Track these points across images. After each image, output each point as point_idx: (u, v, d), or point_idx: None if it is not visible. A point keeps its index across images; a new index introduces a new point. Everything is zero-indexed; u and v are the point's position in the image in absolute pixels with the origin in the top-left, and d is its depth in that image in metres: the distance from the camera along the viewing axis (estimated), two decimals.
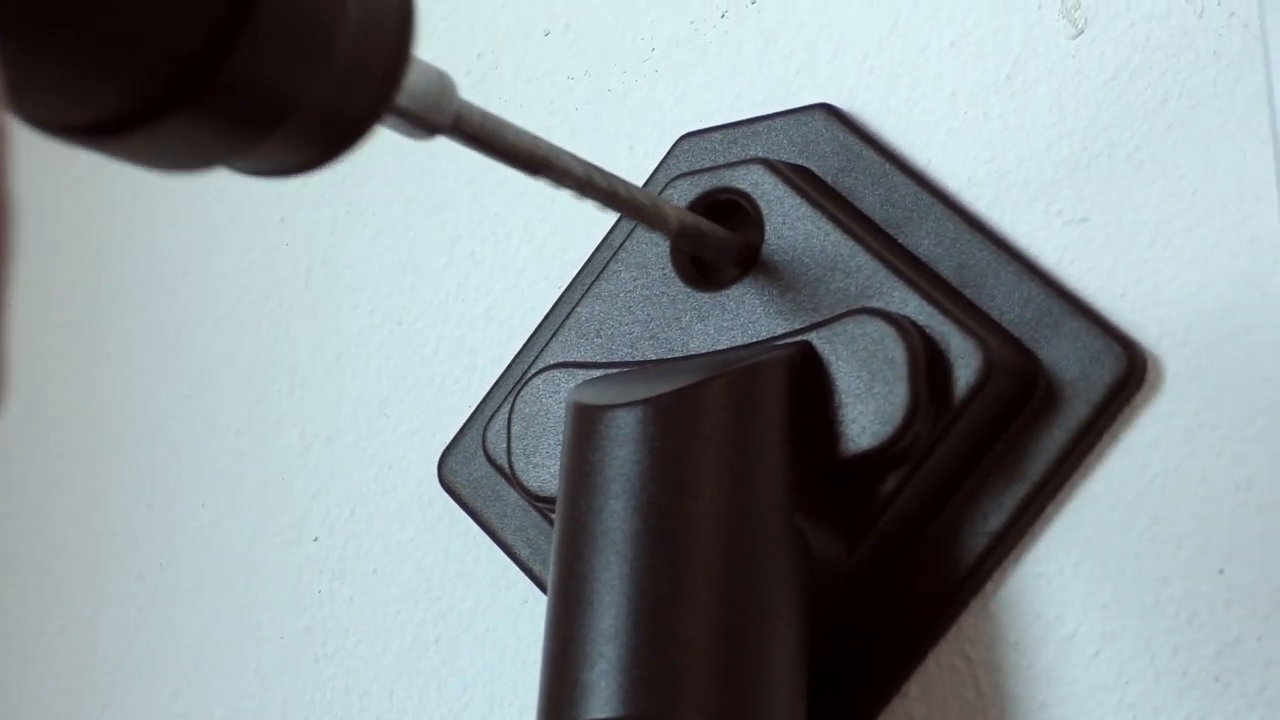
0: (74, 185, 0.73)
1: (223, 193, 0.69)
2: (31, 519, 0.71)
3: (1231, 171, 0.51)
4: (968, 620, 0.53)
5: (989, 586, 0.53)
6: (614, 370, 0.55)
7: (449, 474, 0.60)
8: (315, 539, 0.64)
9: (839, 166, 0.56)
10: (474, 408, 0.61)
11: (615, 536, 0.49)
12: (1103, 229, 0.53)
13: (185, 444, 0.68)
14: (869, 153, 0.56)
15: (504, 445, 0.57)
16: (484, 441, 0.58)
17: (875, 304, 0.52)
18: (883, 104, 0.57)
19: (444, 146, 0.63)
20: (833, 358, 0.52)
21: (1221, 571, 0.50)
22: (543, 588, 0.58)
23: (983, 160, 0.55)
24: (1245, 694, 0.49)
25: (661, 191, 0.56)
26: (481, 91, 0.64)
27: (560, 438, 0.55)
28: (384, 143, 0.64)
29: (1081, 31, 0.54)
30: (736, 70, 0.59)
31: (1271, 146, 0.50)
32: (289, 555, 0.64)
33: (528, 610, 0.60)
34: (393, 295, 0.64)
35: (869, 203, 0.55)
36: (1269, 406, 0.50)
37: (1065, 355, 0.52)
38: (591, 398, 0.52)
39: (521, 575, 0.59)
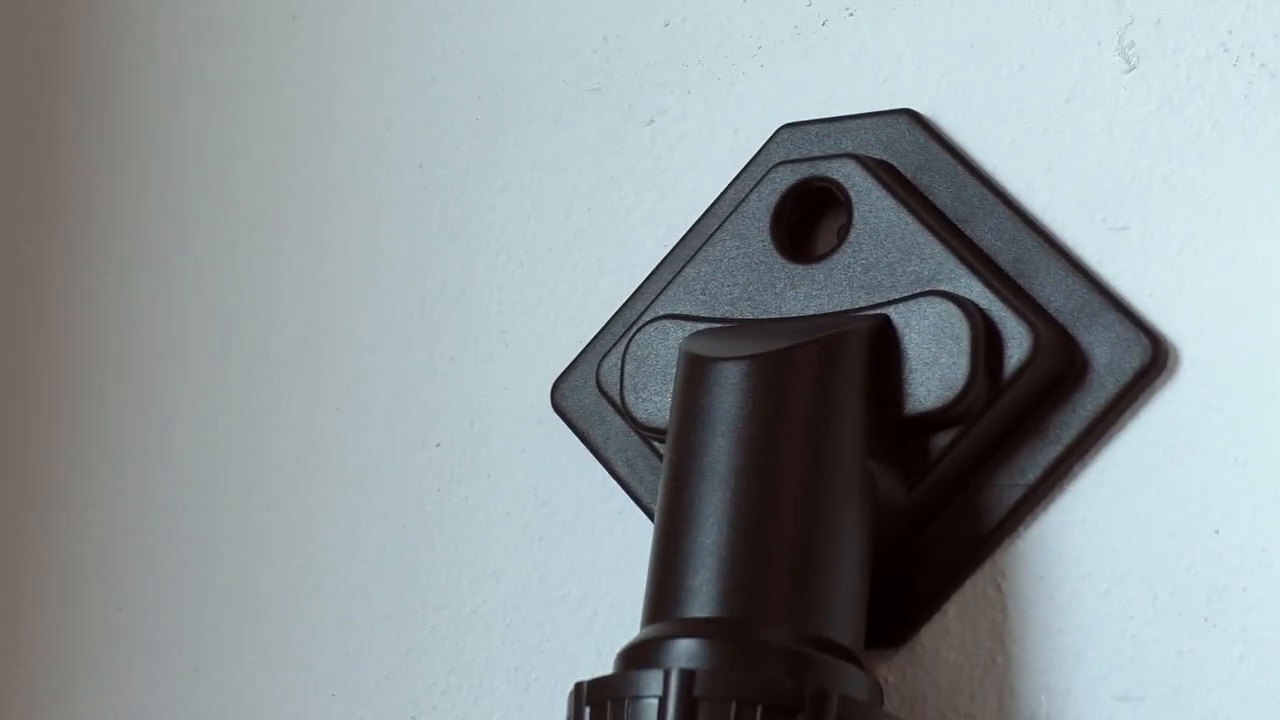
0: (229, 130, 0.81)
1: (367, 138, 0.77)
2: (180, 418, 0.79)
3: (1251, 199, 0.61)
4: (1001, 556, 0.62)
5: (1020, 529, 0.62)
6: (717, 325, 0.65)
7: (561, 399, 0.70)
8: (437, 445, 0.73)
9: (918, 165, 0.65)
10: (584, 344, 0.70)
11: (719, 468, 0.59)
12: (1139, 237, 0.62)
13: (323, 354, 0.76)
14: (944, 155, 0.65)
15: (617, 380, 0.66)
16: (598, 374, 0.68)
17: (944, 287, 0.62)
18: (957, 113, 0.66)
19: (566, 120, 0.72)
20: (906, 330, 0.62)
21: (1216, 531, 0.60)
22: (637, 501, 0.67)
23: (1040, 170, 0.64)
24: (1229, 633, 0.59)
25: (765, 175, 0.66)
26: (605, 69, 0.72)
27: (667, 378, 0.64)
28: (513, 109, 0.73)
29: (1133, 68, 0.63)
30: (832, 72, 0.68)
31: None
32: (413, 457, 0.73)
33: (622, 519, 0.69)
34: (516, 240, 0.73)
35: (941, 198, 0.65)
36: (1265, 399, 0.60)
37: (1100, 342, 0.62)
38: (702, 349, 0.62)
39: (618, 489, 0.68)
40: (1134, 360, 0.61)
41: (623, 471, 0.68)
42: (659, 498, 0.60)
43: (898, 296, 0.62)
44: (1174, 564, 0.60)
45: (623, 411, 0.66)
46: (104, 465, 0.80)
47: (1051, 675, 0.61)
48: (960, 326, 0.60)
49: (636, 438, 0.67)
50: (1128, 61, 0.63)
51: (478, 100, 0.75)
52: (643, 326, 0.66)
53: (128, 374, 0.80)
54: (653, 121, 0.71)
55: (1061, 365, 0.62)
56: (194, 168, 0.81)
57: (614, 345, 0.67)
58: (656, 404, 0.64)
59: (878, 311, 0.62)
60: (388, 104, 0.77)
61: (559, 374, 0.70)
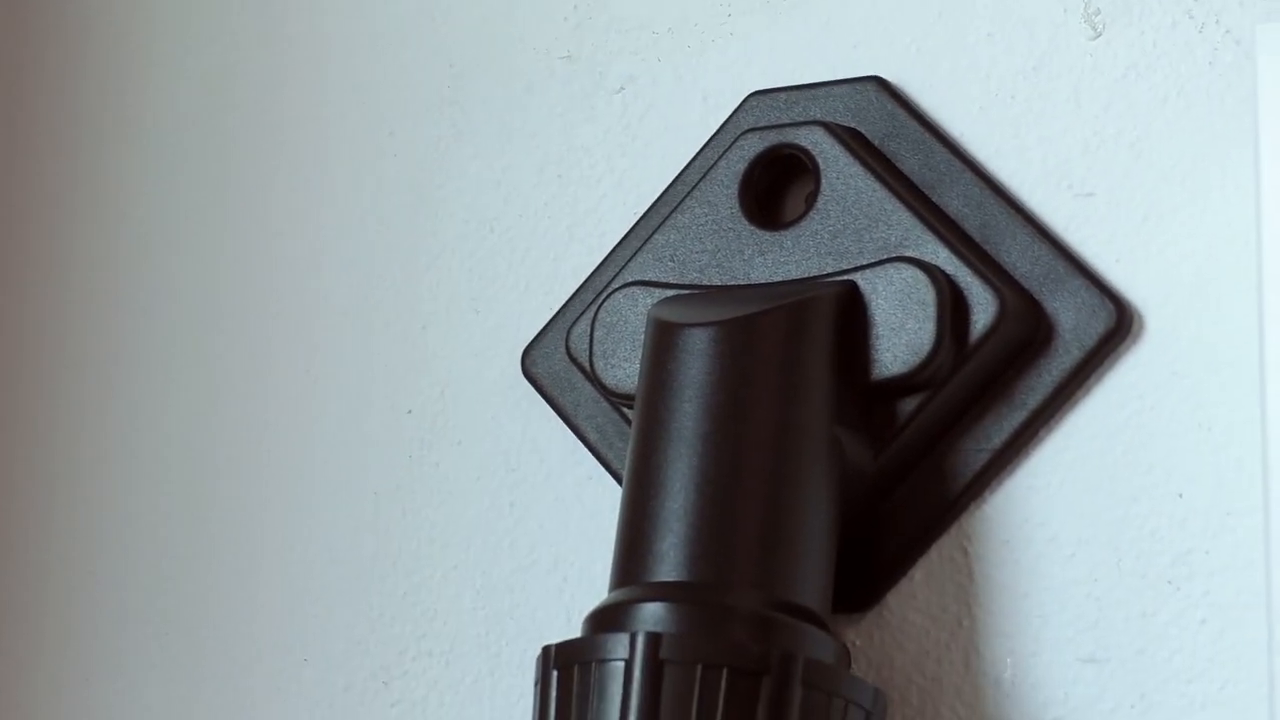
0: (200, 98, 0.81)
1: (338, 106, 0.77)
2: (153, 386, 0.79)
3: (1216, 165, 0.61)
4: (968, 520, 0.63)
5: (987, 494, 0.63)
6: (686, 291, 0.65)
7: (531, 365, 0.70)
8: (409, 411, 0.73)
9: (885, 132, 0.65)
10: (554, 310, 0.70)
11: (687, 433, 0.60)
12: (1105, 204, 0.63)
13: (296, 321, 0.76)
14: (911, 122, 0.65)
15: (586, 346, 0.67)
16: (567, 341, 0.68)
17: (911, 253, 0.62)
18: (925, 80, 0.66)
19: (538, 87, 0.73)
20: (873, 296, 0.62)
21: (1180, 495, 0.60)
22: (607, 466, 0.68)
23: (1007, 136, 0.65)
24: (1192, 596, 0.60)
25: (733, 142, 0.66)
26: (576, 37, 0.72)
27: (635, 344, 0.65)
28: (484, 75, 0.74)
29: (1099, 34, 0.64)
30: (801, 40, 0.68)
31: (1253, 149, 0.60)
32: (384, 423, 0.73)
33: (591, 485, 0.69)
34: (487, 207, 0.73)
35: (909, 165, 0.65)
36: (1229, 363, 0.60)
37: (1066, 307, 0.62)
38: (671, 316, 0.62)
39: (588, 455, 0.69)
40: (1099, 326, 0.61)
41: (592, 437, 0.68)
42: (627, 463, 0.61)
43: (865, 263, 0.63)
44: (1138, 528, 0.61)
45: (592, 378, 0.66)
46: (79, 433, 0.80)
47: (1017, 638, 0.62)
48: (926, 292, 0.61)
49: (606, 404, 0.68)
50: (1094, 29, 0.64)
51: (449, 68, 0.75)
52: (612, 293, 0.66)
53: (101, 343, 0.80)
54: (623, 89, 0.71)
55: (1027, 331, 0.62)
56: (165, 139, 0.81)
57: (583, 312, 0.68)
58: (625, 370, 0.65)
59: (845, 278, 0.62)
60: (359, 72, 0.77)
61: (529, 341, 0.70)
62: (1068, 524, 0.62)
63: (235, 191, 0.79)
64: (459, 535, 0.71)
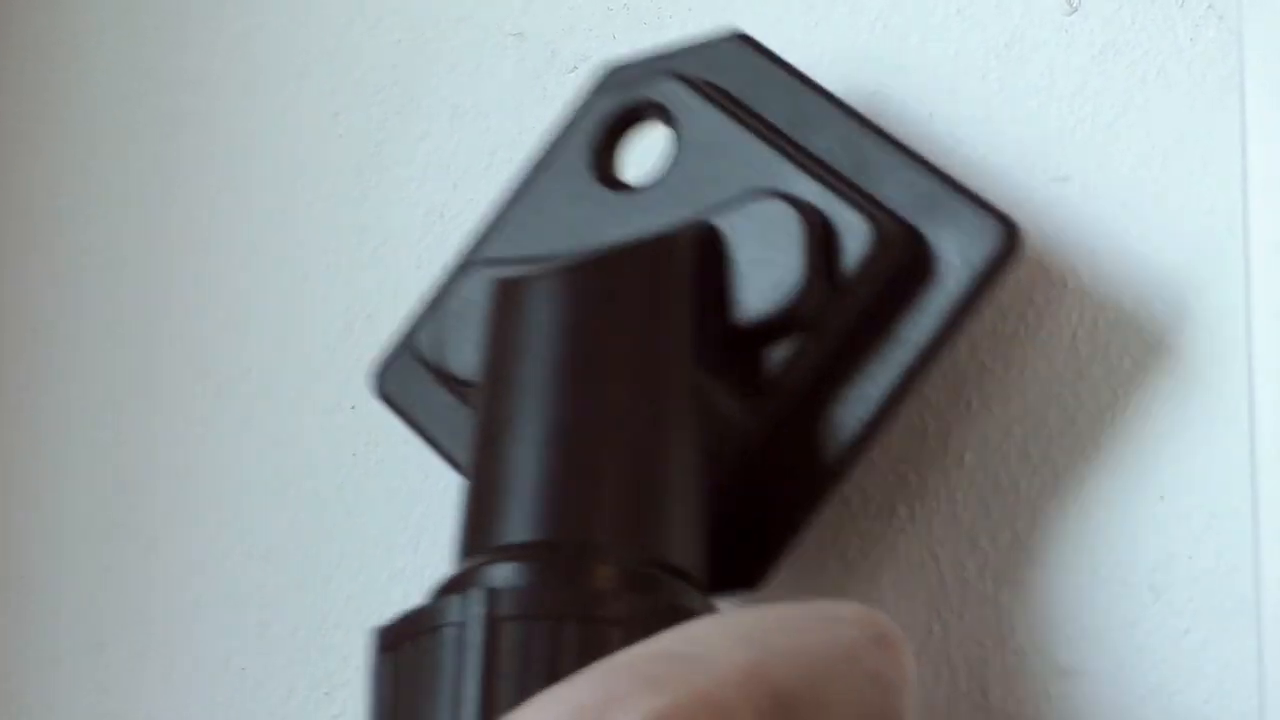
0: (139, 79, 0.79)
1: (282, 85, 0.75)
2: (86, 380, 0.77)
3: (1198, 147, 0.58)
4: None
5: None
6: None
7: (386, 385, 0.64)
8: (353, 406, 0.70)
9: (748, 81, 0.60)
10: None
11: (534, 387, 0.53)
12: (1081, 187, 0.60)
13: (235, 312, 0.74)
14: (779, 72, 0.60)
15: (438, 341, 0.60)
16: (416, 345, 0.61)
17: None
18: (893, 59, 0.63)
19: (488, 66, 0.70)
20: (733, 234, 0.56)
21: (1162, 498, 0.57)
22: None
23: (979, 117, 0.62)
24: (1174, 604, 0.57)
25: (582, 106, 0.62)
26: (529, 13, 0.70)
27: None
28: (433, 55, 0.71)
29: (1076, 10, 0.61)
30: (762, 15, 0.66)
31: (1239, 130, 0.57)
32: (328, 419, 0.71)
33: None
34: (435, 192, 0.70)
35: (775, 113, 0.59)
36: (1214, 357, 0.57)
37: (948, 233, 0.56)
38: (514, 275, 0.57)
39: None
40: (986, 247, 0.56)
41: (458, 455, 0.62)
42: (473, 429, 0.55)
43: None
44: (1119, 534, 0.58)
45: (444, 376, 0.60)
46: (5, 433, 0.78)
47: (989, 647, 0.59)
48: (791, 224, 0.55)
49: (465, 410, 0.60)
50: (1070, 3, 0.61)
51: (395, 45, 0.73)
52: (455, 278, 0.61)
53: (28, 339, 0.79)
54: (576, 68, 0.69)
55: (907, 260, 0.56)
56: (97, 124, 0.79)
57: (428, 309, 0.62)
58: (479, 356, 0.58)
59: (701, 220, 0.57)
60: (302, 50, 0.75)
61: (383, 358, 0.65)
62: None
63: (171, 177, 0.77)
64: (405, 537, 0.69)
